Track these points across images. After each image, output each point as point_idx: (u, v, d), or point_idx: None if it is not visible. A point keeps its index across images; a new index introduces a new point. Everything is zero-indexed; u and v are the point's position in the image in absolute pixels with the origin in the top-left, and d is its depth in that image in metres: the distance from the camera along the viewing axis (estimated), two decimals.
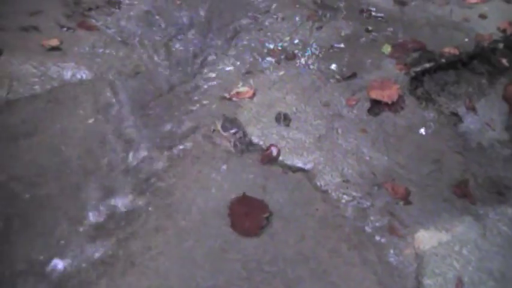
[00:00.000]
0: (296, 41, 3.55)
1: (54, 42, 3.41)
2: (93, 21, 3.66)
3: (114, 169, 2.70)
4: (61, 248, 2.35)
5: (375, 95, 3.09)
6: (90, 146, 2.82)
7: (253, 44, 3.53)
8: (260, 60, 3.39)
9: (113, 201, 2.56)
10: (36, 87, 3.11)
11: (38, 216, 2.47)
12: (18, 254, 2.32)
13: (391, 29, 3.73)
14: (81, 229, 2.43)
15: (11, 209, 2.49)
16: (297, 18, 3.78)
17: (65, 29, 3.55)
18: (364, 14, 3.90)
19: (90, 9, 3.79)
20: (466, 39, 3.58)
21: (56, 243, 2.37)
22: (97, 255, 2.35)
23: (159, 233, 2.41)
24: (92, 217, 2.49)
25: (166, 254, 2.34)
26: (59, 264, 2.30)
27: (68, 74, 3.21)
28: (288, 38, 3.57)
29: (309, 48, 3.47)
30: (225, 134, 2.85)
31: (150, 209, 2.52)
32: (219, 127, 2.90)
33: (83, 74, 3.23)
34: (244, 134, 2.86)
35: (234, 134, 2.86)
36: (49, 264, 2.29)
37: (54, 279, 2.24)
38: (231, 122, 2.93)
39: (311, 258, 2.34)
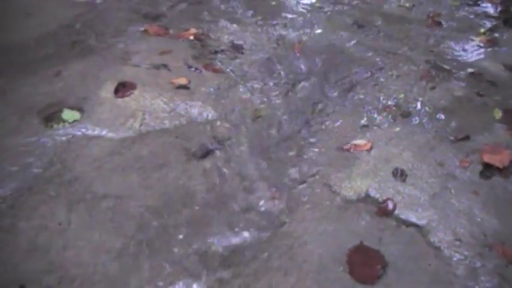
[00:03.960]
0: (411, 99, 3.67)
1: (183, 81, 3.63)
2: (218, 63, 3.89)
3: (236, 206, 2.87)
4: (186, 277, 2.52)
5: (487, 158, 3.18)
6: (213, 182, 3.00)
7: (368, 99, 3.68)
8: (376, 115, 3.52)
9: (235, 237, 2.72)
10: (166, 122, 3.33)
11: (165, 243, 2.65)
12: (145, 277, 2.50)
13: (502, 94, 3.81)
14: (205, 261, 2.59)
15: (140, 235, 2.68)
16: (411, 77, 3.91)
17: (193, 69, 3.78)
18: (475, 77, 4.00)
19: (215, 52, 4.02)
20: None
21: (181, 271, 2.53)
22: (218, 285, 2.49)
23: (280, 272, 2.55)
24: (216, 250, 2.65)
25: None
26: None
27: (195, 112, 3.42)
28: (402, 96, 3.70)
29: (423, 107, 3.59)
30: None
31: (271, 248, 2.67)
32: None
33: (209, 113, 3.43)
34: None
35: None
36: None
37: None
38: None
39: None
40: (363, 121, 3.47)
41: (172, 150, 3.15)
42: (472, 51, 4.35)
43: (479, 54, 4.32)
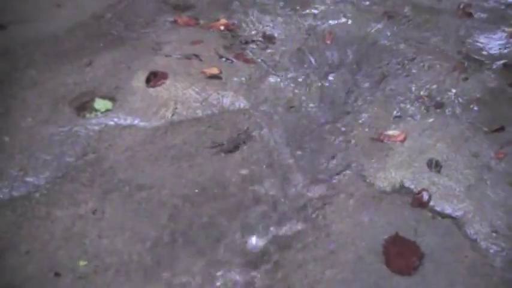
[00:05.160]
0: (443, 90, 3.63)
1: (214, 70, 3.62)
2: (250, 54, 3.88)
3: (270, 196, 2.86)
4: (221, 267, 2.52)
5: None
6: (246, 172, 2.99)
7: (401, 89, 3.64)
8: (409, 105, 3.49)
9: (272, 227, 2.72)
10: (198, 111, 3.34)
11: (199, 234, 2.65)
12: (181, 267, 2.51)
13: None
14: (240, 252, 2.59)
15: (174, 224, 2.69)
16: (444, 68, 3.86)
17: (224, 59, 3.77)
18: (507, 69, 3.94)
19: (246, 42, 4.01)
20: None
21: (216, 262, 2.54)
22: (256, 275, 2.49)
23: (317, 261, 2.55)
24: (251, 240, 2.65)
25: (324, 283, 2.46)
26: None
27: (227, 102, 3.42)
28: (435, 87, 3.66)
29: (456, 98, 3.55)
30: None
31: (307, 238, 2.66)
32: None
33: (241, 103, 3.43)
34: None
35: None
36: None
37: None
38: None
39: None
40: (396, 112, 3.44)
41: (205, 140, 3.16)
42: (504, 42, 4.29)
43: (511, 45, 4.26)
